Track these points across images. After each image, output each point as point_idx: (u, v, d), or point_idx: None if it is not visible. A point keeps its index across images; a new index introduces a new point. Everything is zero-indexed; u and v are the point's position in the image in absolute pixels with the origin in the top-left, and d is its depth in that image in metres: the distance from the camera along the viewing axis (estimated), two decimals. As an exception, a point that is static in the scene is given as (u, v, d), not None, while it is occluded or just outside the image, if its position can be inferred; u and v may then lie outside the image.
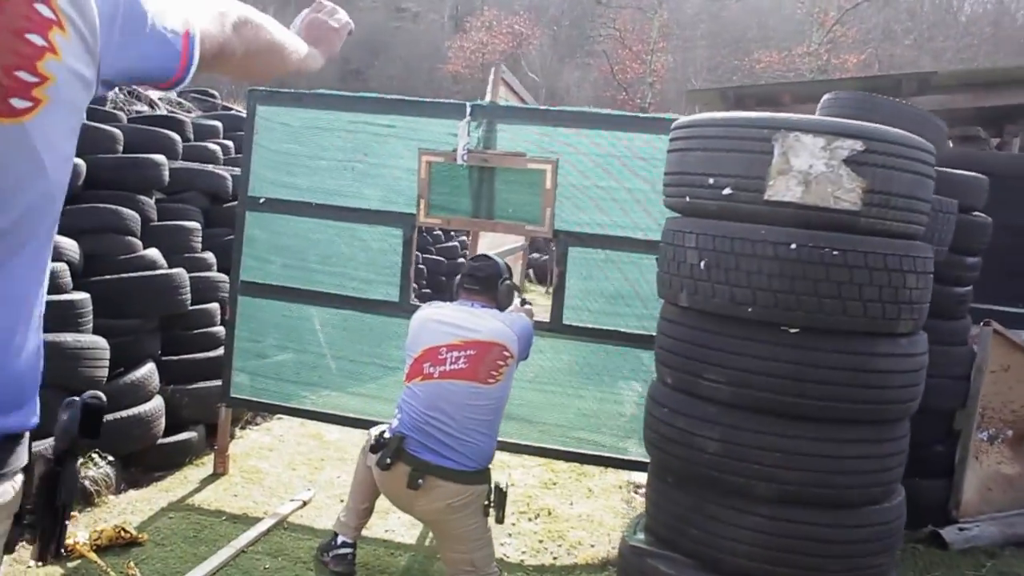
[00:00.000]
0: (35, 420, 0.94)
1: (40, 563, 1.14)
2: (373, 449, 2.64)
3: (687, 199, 2.56)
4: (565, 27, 32.10)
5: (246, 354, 3.78)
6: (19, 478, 0.95)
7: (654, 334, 3.26)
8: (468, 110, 3.39)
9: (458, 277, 2.89)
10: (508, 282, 2.84)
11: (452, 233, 9.43)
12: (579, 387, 3.45)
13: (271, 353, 3.74)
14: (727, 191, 2.43)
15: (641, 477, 4.12)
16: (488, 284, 2.81)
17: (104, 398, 1.06)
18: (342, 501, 3.56)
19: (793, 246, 2.33)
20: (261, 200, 3.65)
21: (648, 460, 3.31)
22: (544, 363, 3.46)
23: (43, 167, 0.87)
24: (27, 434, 0.95)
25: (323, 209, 3.61)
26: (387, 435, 2.65)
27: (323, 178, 3.61)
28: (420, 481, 2.52)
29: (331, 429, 4.50)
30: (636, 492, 3.94)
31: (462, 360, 2.61)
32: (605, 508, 3.69)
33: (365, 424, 3.67)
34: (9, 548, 0.99)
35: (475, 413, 2.61)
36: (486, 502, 2.66)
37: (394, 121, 3.51)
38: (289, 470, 3.91)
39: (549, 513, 3.63)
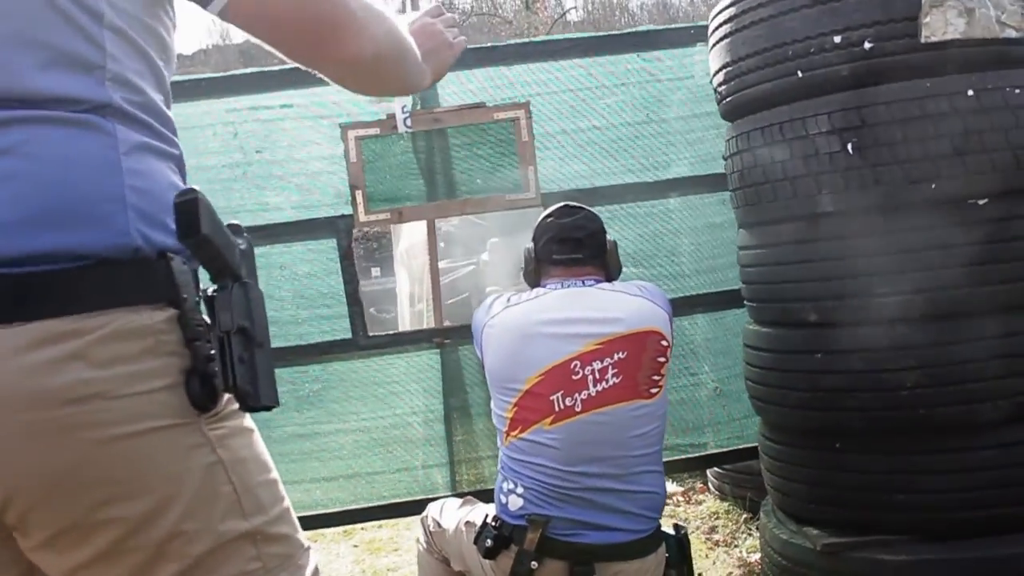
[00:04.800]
0: (126, 240, 0.76)
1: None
2: (490, 552, 1.68)
3: (798, 75, 1.98)
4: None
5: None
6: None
7: (696, 294, 2.71)
8: (392, 64, 2.54)
9: (535, 246, 1.95)
10: (612, 239, 2.00)
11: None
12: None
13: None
14: (867, 45, 1.88)
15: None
16: (596, 246, 1.93)
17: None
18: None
19: (971, 93, 1.84)
20: (109, 246, 2.48)
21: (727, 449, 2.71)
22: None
23: None
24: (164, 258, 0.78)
25: (212, 237, 2.53)
26: (494, 520, 1.73)
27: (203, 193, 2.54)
28: None
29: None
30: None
31: (611, 372, 1.72)
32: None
33: (349, 518, 2.64)
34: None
35: (641, 446, 1.75)
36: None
37: (291, 98, 2.55)
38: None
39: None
